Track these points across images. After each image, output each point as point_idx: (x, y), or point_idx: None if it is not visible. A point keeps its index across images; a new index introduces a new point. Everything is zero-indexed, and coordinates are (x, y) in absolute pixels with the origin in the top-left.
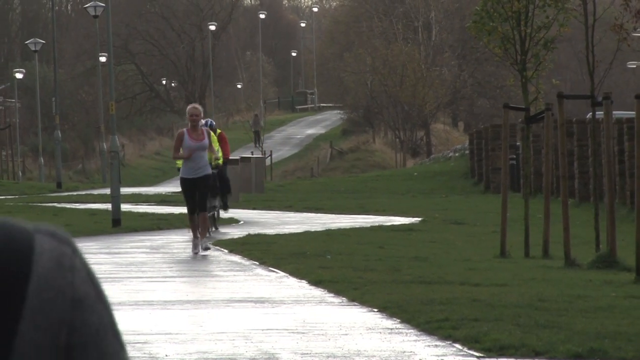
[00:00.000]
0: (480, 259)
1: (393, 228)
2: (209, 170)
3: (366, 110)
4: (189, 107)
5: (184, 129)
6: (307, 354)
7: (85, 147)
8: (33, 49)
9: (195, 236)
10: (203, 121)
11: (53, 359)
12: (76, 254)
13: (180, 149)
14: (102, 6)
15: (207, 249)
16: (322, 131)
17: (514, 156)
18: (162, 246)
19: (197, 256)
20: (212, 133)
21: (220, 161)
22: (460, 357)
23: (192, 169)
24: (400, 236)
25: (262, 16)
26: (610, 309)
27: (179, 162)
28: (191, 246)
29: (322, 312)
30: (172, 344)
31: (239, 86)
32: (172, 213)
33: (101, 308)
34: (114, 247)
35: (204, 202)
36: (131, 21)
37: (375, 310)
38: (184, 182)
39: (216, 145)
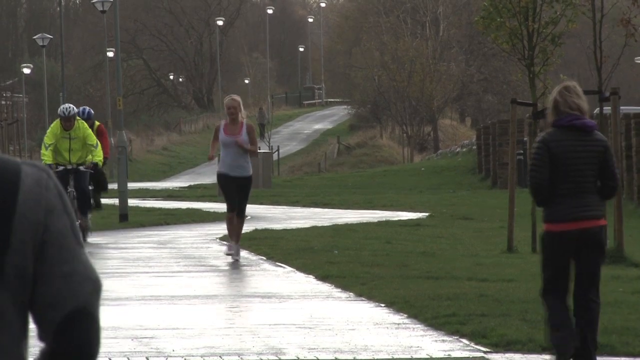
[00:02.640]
0: (487, 254)
1: (400, 223)
2: (249, 172)
3: (373, 106)
4: (226, 98)
5: (222, 121)
6: (314, 349)
7: None
8: (41, 44)
9: (231, 237)
10: (80, 109)
11: (32, 250)
12: (51, 178)
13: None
14: (110, 1)
15: (235, 259)
16: (330, 126)
17: (522, 151)
18: (169, 241)
19: (233, 259)
20: (85, 125)
21: (101, 162)
22: (467, 352)
23: (231, 165)
24: (408, 231)
25: (269, 11)
26: (617, 304)
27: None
28: (225, 248)
29: (329, 307)
30: (179, 339)
31: (246, 81)
32: (180, 208)
33: (65, 217)
34: (121, 242)
35: (243, 206)
36: (139, 16)
37: (383, 305)
38: (222, 178)
39: (94, 140)
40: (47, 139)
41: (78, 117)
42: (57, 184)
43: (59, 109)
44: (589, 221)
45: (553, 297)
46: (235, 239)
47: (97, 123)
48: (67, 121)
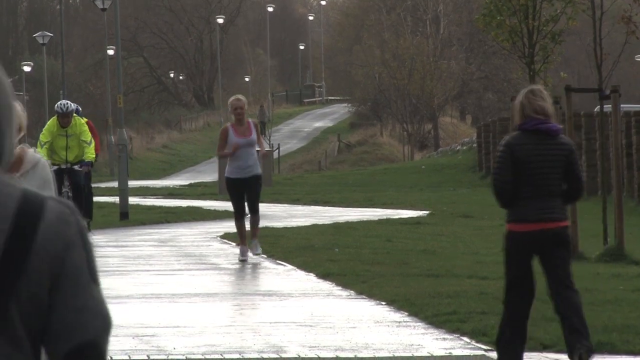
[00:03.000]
0: (487, 252)
1: (401, 221)
2: (259, 170)
3: (374, 104)
4: (232, 99)
5: (228, 124)
6: (315, 347)
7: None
8: (41, 42)
9: (242, 243)
10: (73, 106)
11: (46, 281)
12: (73, 214)
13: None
14: None
15: (257, 254)
16: (330, 124)
17: None
18: (169, 239)
19: (244, 264)
20: (82, 121)
21: (94, 159)
22: (468, 350)
23: (240, 168)
24: (408, 229)
25: (270, 9)
26: (618, 302)
27: (43, 137)
28: (239, 253)
29: (330, 305)
30: (180, 337)
31: (246, 79)
32: (180, 206)
33: (83, 253)
34: (121, 240)
35: (256, 204)
36: (139, 14)
37: (383, 303)
38: (231, 183)
39: (88, 137)
40: (43, 136)
41: (75, 114)
42: (79, 221)
43: (56, 106)
44: (551, 223)
45: (515, 301)
46: (254, 234)
47: (84, 119)
48: (65, 117)
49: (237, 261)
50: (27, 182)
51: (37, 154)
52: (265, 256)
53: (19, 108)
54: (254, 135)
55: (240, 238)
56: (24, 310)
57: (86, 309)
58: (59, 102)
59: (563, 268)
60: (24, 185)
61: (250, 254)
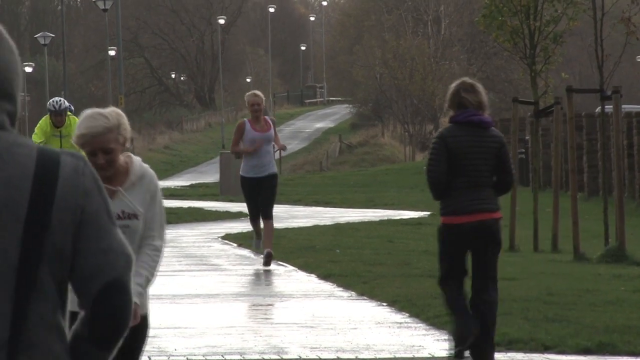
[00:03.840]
0: None
1: (402, 222)
2: (275, 169)
3: (375, 104)
4: (248, 94)
5: (245, 119)
6: (316, 348)
7: None
8: (42, 42)
9: (258, 238)
10: (66, 104)
11: (71, 230)
12: (86, 165)
13: (241, 143)
14: (112, 0)
15: (267, 263)
16: (331, 125)
17: (523, 150)
18: (171, 240)
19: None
20: (77, 120)
21: None
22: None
23: (256, 166)
24: (410, 230)
25: (271, 10)
26: (619, 303)
27: (36, 137)
28: (254, 244)
29: (331, 306)
30: (181, 338)
31: (248, 80)
32: (181, 207)
33: (100, 199)
34: None
35: (270, 207)
36: (141, 15)
37: (385, 304)
38: (246, 182)
39: None
40: (36, 136)
41: (69, 112)
42: (92, 171)
43: (49, 103)
44: (484, 214)
45: (450, 286)
46: (265, 244)
47: (76, 119)
48: (58, 116)
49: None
50: (134, 196)
51: (144, 164)
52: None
53: (126, 122)
54: (272, 131)
55: (256, 234)
56: (51, 262)
57: (110, 249)
58: (51, 100)
59: (491, 263)
60: (36, 144)
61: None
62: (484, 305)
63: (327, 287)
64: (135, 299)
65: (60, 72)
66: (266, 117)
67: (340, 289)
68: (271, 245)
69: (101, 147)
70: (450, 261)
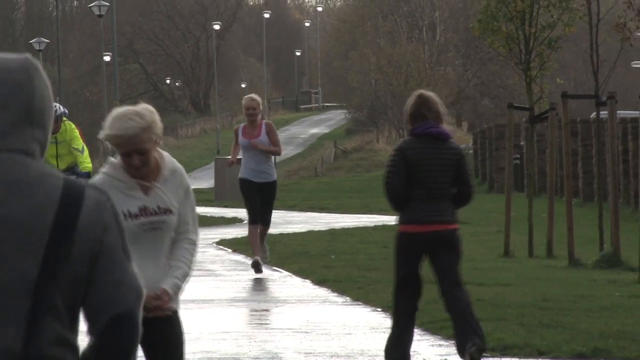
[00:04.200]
0: (484, 259)
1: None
2: (274, 176)
3: (370, 110)
4: (245, 98)
5: (239, 125)
6: (311, 353)
7: (89, 147)
8: (37, 48)
9: (256, 253)
10: (61, 109)
11: (88, 261)
12: (109, 200)
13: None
14: (107, 5)
15: (256, 266)
16: (326, 131)
17: (518, 156)
18: None
19: (263, 260)
20: (72, 126)
21: (91, 169)
22: None
23: (254, 170)
24: None
25: (266, 15)
26: (614, 309)
27: None
28: (252, 266)
29: (326, 312)
30: None
31: (243, 85)
32: None
33: (118, 234)
34: None
35: (268, 216)
36: (136, 20)
37: (379, 309)
38: (245, 184)
39: (80, 144)
40: None
41: (65, 118)
42: (113, 206)
43: None
44: (441, 225)
45: (405, 297)
46: (261, 239)
47: (72, 124)
48: (54, 122)
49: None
50: (168, 191)
51: (173, 159)
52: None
53: (158, 119)
54: (263, 137)
55: (253, 248)
56: (66, 289)
57: (122, 283)
58: None
59: (452, 270)
60: (63, 175)
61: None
62: (456, 300)
63: (322, 292)
64: (168, 288)
65: (55, 77)
66: (263, 121)
67: (335, 294)
68: (265, 239)
69: (136, 149)
70: (405, 270)
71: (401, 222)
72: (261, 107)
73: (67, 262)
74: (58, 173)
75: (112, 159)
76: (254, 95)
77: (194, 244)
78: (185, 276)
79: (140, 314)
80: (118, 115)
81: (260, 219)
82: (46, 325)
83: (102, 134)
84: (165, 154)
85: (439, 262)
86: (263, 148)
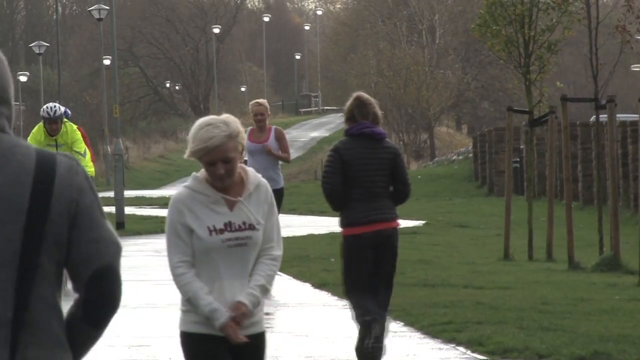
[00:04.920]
0: (484, 262)
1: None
2: (281, 183)
3: None
4: (252, 103)
5: (247, 128)
6: (311, 357)
7: (91, 149)
8: (37, 52)
9: None
10: (62, 109)
11: (66, 221)
12: (79, 165)
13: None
14: (107, 9)
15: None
16: (326, 134)
17: (518, 159)
18: (165, 249)
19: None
20: (73, 128)
21: (94, 173)
22: None
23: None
24: (404, 239)
25: (266, 19)
26: (614, 312)
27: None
28: None
29: (326, 316)
30: (175, 347)
31: (242, 89)
32: None
33: (92, 195)
34: None
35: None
36: (136, 24)
37: None
38: None
39: (82, 147)
40: None
41: (65, 119)
42: (84, 170)
43: (42, 110)
44: (382, 223)
45: (358, 295)
46: None
47: (73, 126)
48: (53, 124)
49: None
50: (253, 207)
51: (257, 174)
52: None
53: (243, 132)
54: (271, 143)
55: None
56: (50, 249)
57: (101, 239)
58: (45, 106)
59: (387, 271)
60: (31, 145)
61: None
62: (377, 310)
63: (322, 296)
64: (246, 302)
65: (55, 81)
66: (272, 127)
67: (335, 298)
68: None
69: (221, 158)
70: (355, 273)
71: (344, 225)
72: (269, 112)
73: (48, 224)
74: (28, 143)
75: (195, 173)
76: (260, 100)
77: (276, 260)
78: (265, 291)
79: (120, 266)
80: (202, 124)
81: None
82: (35, 290)
83: (187, 152)
84: (250, 169)
85: (378, 263)
86: (274, 153)
